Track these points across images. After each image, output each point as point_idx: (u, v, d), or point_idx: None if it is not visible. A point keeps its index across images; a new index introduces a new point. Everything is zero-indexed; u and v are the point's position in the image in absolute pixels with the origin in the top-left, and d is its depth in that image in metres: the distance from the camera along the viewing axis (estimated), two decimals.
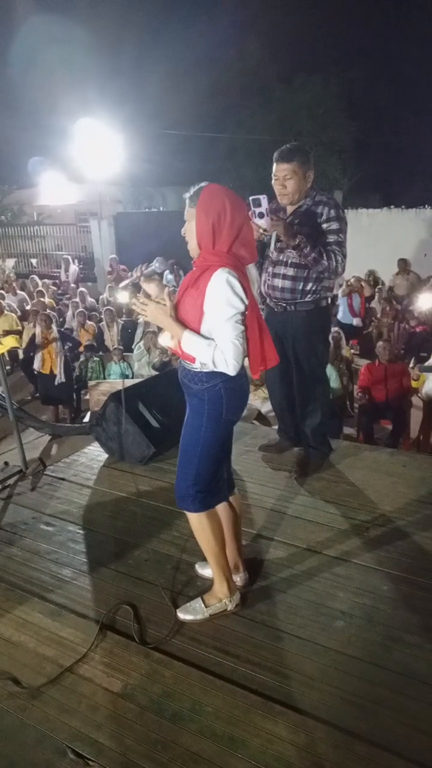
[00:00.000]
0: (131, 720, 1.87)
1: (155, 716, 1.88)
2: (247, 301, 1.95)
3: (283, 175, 3.00)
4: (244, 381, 2.09)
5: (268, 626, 2.24)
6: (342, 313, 9.60)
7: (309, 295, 3.13)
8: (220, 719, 1.86)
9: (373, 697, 1.93)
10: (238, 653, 2.12)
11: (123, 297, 11.50)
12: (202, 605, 2.27)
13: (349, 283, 10.12)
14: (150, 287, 2.23)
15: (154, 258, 12.90)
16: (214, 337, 1.94)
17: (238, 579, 2.41)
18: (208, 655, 2.11)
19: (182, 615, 2.28)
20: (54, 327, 7.68)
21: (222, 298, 1.90)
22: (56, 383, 7.41)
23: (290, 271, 3.09)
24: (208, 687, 1.98)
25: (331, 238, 3.03)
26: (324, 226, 3.03)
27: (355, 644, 2.15)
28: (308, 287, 3.11)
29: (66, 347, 7.75)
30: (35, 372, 7.71)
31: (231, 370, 1.94)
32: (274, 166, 3.03)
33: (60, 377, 7.38)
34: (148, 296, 2.12)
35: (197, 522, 2.18)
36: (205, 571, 2.52)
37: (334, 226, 3.03)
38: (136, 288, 2.33)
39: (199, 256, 2.01)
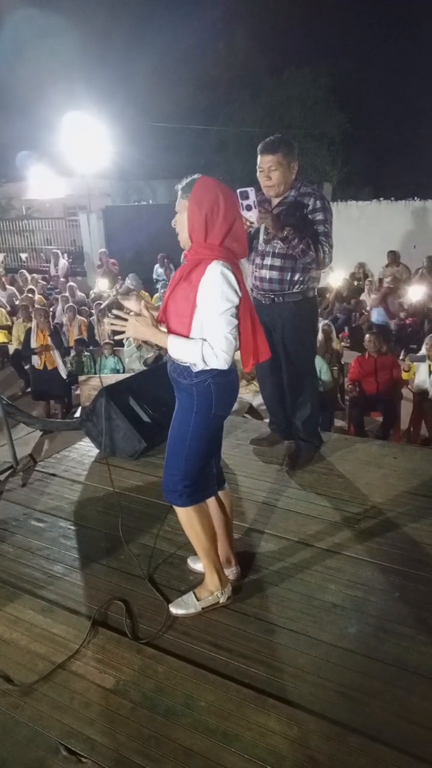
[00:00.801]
0: (124, 716, 1.87)
1: (148, 712, 1.88)
2: (241, 294, 1.94)
3: (267, 167, 2.99)
4: (233, 376, 2.07)
5: (261, 619, 2.24)
6: (377, 315, 9.01)
7: (297, 286, 3.12)
8: (213, 713, 1.86)
9: (366, 689, 1.93)
10: (231, 647, 2.12)
11: (102, 284, 11.46)
12: (194, 599, 2.27)
13: (384, 282, 10.06)
14: (129, 303, 2.19)
15: (143, 252, 12.90)
16: (206, 330, 1.92)
17: (230, 573, 2.41)
18: (200, 650, 2.11)
19: (175, 610, 2.28)
20: (51, 323, 7.63)
21: (216, 291, 1.89)
22: (65, 377, 7.38)
23: (278, 262, 3.08)
24: (201, 681, 1.98)
25: (319, 229, 3.03)
26: (310, 216, 3.02)
27: (347, 636, 2.16)
28: (296, 278, 3.10)
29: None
30: (29, 367, 7.66)
31: (222, 363, 1.93)
32: (259, 158, 3.02)
33: (64, 371, 7.36)
34: (127, 312, 2.10)
35: (185, 516, 2.17)
36: (197, 565, 2.51)
37: (320, 216, 3.03)
38: (117, 306, 2.30)
39: (190, 249, 1.98)
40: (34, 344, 7.34)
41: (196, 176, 1.97)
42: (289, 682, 1.97)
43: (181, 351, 1.95)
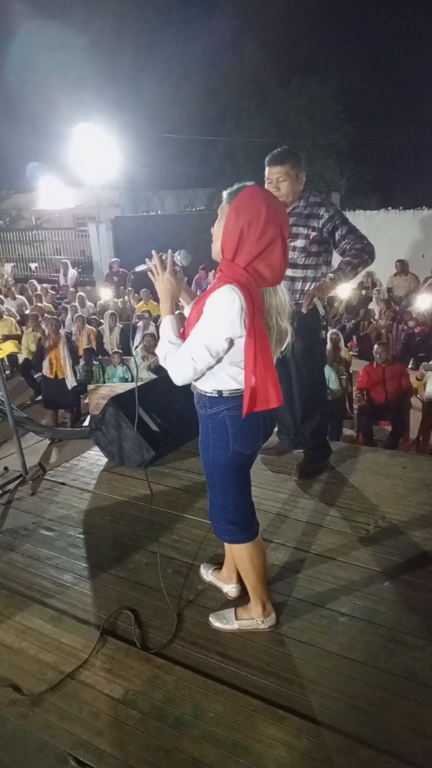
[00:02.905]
0: (133, 726, 1.86)
1: (157, 722, 1.87)
2: (242, 329, 1.74)
3: (276, 178, 3.01)
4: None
5: (269, 630, 2.23)
6: None
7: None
8: (222, 724, 1.85)
9: (376, 700, 1.92)
10: (240, 657, 2.11)
11: (106, 293, 11.34)
12: (233, 617, 2.24)
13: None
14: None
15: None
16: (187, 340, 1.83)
17: (232, 589, 2.40)
18: (209, 660, 2.10)
19: (213, 620, 2.26)
20: (62, 331, 7.67)
21: (210, 312, 1.75)
22: (70, 388, 7.40)
23: (288, 272, 3.07)
24: (210, 692, 1.97)
25: (352, 236, 3.07)
26: (329, 226, 3.06)
27: (357, 647, 2.14)
28: (307, 287, 3.12)
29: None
30: (39, 376, 7.70)
31: (174, 376, 1.85)
32: (267, 169, 3.04)
33: (71, 381, 7.38)
34: (173, 271, 1.99)
35: (237, 552, 2.14)
36: (209, 576, 2.51)
37: (338, 221, 3.06)
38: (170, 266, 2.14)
39: (218, 268, 1.83)
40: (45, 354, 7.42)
41: (248, 183, 1.81)
42: (299, 694, 1.95)
43: (164, 334, 1.90)
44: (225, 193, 1.82)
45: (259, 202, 1.73)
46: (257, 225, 1.71)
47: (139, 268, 2.09)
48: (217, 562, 2.58)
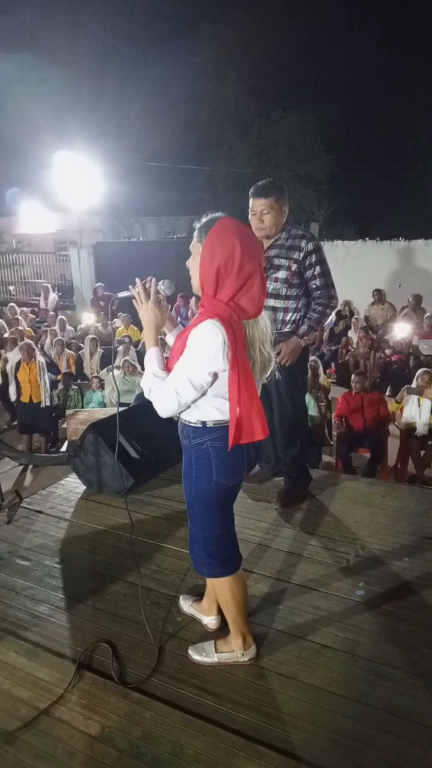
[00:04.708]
0: (109, 765, 1.81)
1: (134, 761, 1.82)
2: (225, 362, 1.75)
3: (260, 210, 3.06)
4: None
5: (250, 663, 2.20)
6: (429, 348, 8.86)
7: (289, 325, 3.17)
8: (201, 762, 1.81)
9: (357, 735, 1.89)
10: (219, 692, 2.07)
11: (88, 318, 11.35)
12: (213, 649, 2.20)
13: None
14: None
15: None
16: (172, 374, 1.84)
17: (211, 621, 2.37)
18: (188, 695, 2.06)
19: (192, 653, 2.22)
20: (37, 355, 7.59)
21: (193, 347, 1.76)
22: (42, 406, 7.32)
23: (270, 302, 3.13)
24: (189, 728, 1.93)
25: (319, 281, 3.14)
26: (306, 264, 3.11)
27: (337, 680, 2.12)
28: (288, 317, 3.16)
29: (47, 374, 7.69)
30: (15, 400, 7.61)
31: (159, 409, 1.86)
32: (251, 201, 3.09)
33: (44, 401, 7.30)
34: (157, 300, 1.98)
35: (218, 584, 2.12)
36: (188, 608, 2.47)
37: (314, 258, 3.11)
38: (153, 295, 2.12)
39: (200, 303, 1.84)
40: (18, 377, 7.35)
41: (217, 215, 1.80)
42: (279, 729, 1.92)
43: (149, 366, 1.91)
44: (195, 227, 1.82)
45: (232, 238, 1.73)
46: (233, 263, 1.72)
47: (122, 294, 2.09)
48: (198, 593, 2.55)
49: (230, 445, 1.81)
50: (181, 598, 2.55)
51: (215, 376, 1.79)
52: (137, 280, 2.01)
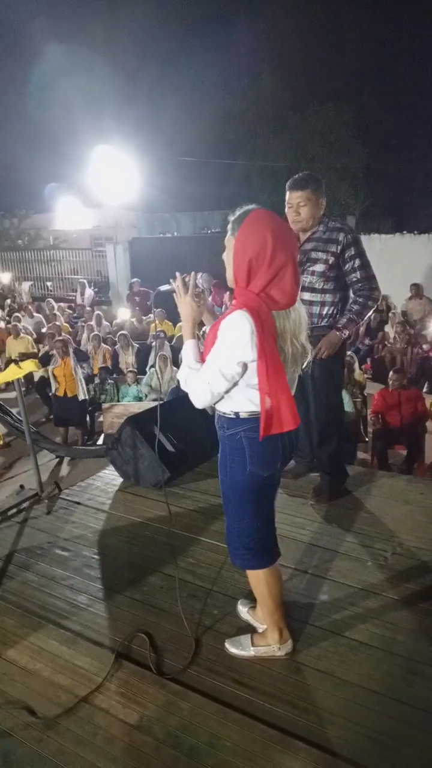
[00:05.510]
0: (147, 753, 1.84)
1: (172, 750, 1.85)
2: (254, 352, 1.75)
3: (297, 203, 3.04)
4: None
5: (286, 657, 2.20)
6: None
7: (325, 319, 3.14)
8: (238, 754, 1.82)
9: (395, 734, 1.88)
10: (256, 685, 2.08)
11: (123, 313, 11.47)
12: (250, 643, 2.21)
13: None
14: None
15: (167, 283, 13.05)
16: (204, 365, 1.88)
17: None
18: (225, 687, 2.08)
19: (229, 646, 2.23)
20: (71, 350, 7.72)
21: (222, 338, 1.78)
22: (80, 399, 7.49)
23: (306, 296, 3.10)
24: (226, 720, 1.94)
25: (360, 274, 3.09)
26: (345, 257, 3.07)
27: (375, 677, 2.11)
28: (324, 311, 3.13)
29: (82, 367, 7.85)
30: (51, 394, 7.77)
31: (194, 400, 1.89)
32: (288, 194, 3.07)
33: (81, 395, 7.45)
34: (195, 293, 2.02)
35: (254, 577, 2.13)
36: (244, 614, 2.43)
37: (354, 250, 3.07)
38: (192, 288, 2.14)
39: (233, 294, 1.87)
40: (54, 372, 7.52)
41: (250, 207, 1.81)
42: (316, 724, 1.92)
43: (186, 358, 1.94)
44: (229, 221, 1.83)
45: (264, 229, 1.73)
46: (265, 254, 1.73)
47: (163, 288, 2.11)
48: (253, 598, 2.46)
49: (261, 435, 1.81)
50: (239, 602, 2.51)
51: (245, 366, 1.80)
52: (177, 274, 2.03)
